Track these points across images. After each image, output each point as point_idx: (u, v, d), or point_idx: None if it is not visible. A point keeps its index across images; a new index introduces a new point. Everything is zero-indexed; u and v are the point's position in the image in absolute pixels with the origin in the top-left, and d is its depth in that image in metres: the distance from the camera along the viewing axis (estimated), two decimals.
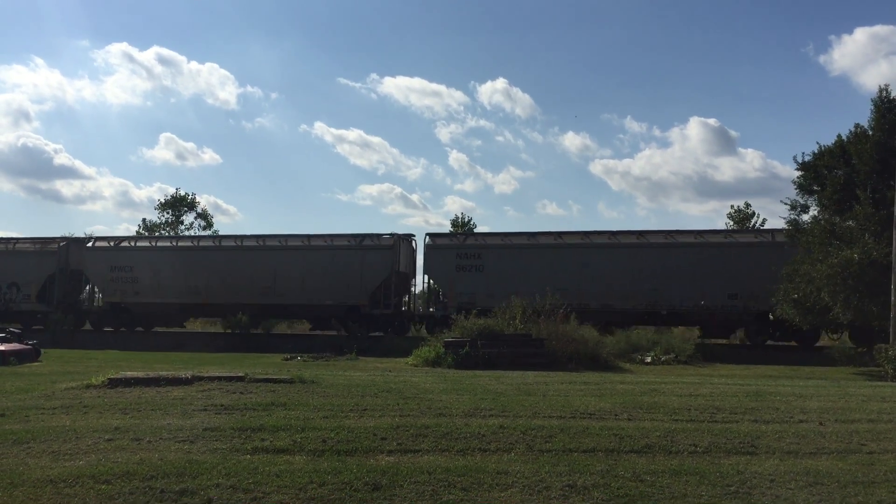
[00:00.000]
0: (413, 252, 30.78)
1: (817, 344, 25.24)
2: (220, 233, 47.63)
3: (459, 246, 29.27)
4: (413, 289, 31.94)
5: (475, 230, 31.51)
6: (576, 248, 27.84)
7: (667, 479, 6.11)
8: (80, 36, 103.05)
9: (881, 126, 20.59)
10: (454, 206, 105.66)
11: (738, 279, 25.52)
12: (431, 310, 29.48)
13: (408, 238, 30.88)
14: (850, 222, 20.47)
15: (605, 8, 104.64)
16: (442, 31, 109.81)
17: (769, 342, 26.42)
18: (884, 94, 21.29)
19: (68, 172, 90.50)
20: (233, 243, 31.41)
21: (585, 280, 26.79)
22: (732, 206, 48.01)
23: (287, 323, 34.28)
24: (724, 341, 28.08)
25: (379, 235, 30.11)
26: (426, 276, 29.73)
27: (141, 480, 5.82)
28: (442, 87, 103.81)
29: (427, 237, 29.90)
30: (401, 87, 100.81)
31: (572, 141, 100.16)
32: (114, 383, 10.85)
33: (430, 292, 29.94)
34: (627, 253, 27.31)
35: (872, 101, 21.49)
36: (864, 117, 21.82)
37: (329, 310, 29.76)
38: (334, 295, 29.09)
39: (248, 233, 32.15)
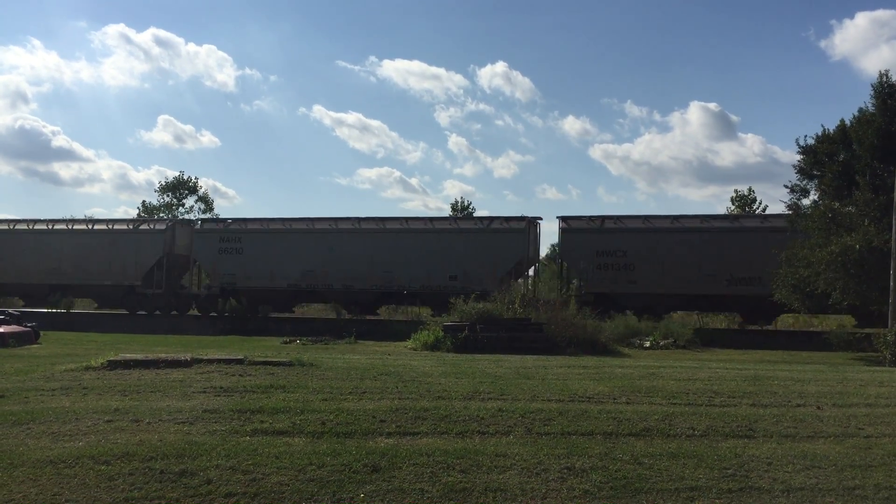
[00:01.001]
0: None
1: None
2: (220, 215, 47.67)
3: (223, 231, 31.57)
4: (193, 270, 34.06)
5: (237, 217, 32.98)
6: (323, 234, 30.31)
7: (665, 461, 6.13)
8: (77, 17, 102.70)
9: (882, 111, 20.54)
10: (454, 190, 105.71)
11: (457, 262, 28.44)
12: (196, 290, 32.68)
13: (189, 223, 34.48)
14: (850, 208, 20.46)
15: None
16: (441, 13, 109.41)
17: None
18: (884, 79, 21.23)
19: (66, 155, 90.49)
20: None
21: (331, 262, 29.53)
22: (736, 192, 48.15)
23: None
24: (723, 326, 28.18)
25: (154, 220, 33.19)
26: (194, 259, 32.50)
27: (140, 461, 5.84)
28: (441, 71, 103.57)
29: (198, 223, 33.83)
30: (400, 71, 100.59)
31: (572, 125, 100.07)
32: (113, 365, 10.87)
33: (198, 273, 33.40)
34: (366, 238, 29.87)
35: (873, 86, 21.47)
36: (865, 102, 21.77)
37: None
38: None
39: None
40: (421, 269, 28.71)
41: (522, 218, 28.87)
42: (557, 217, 28.54)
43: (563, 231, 28.30)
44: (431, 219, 30.80)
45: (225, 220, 33.29)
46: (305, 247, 29.94)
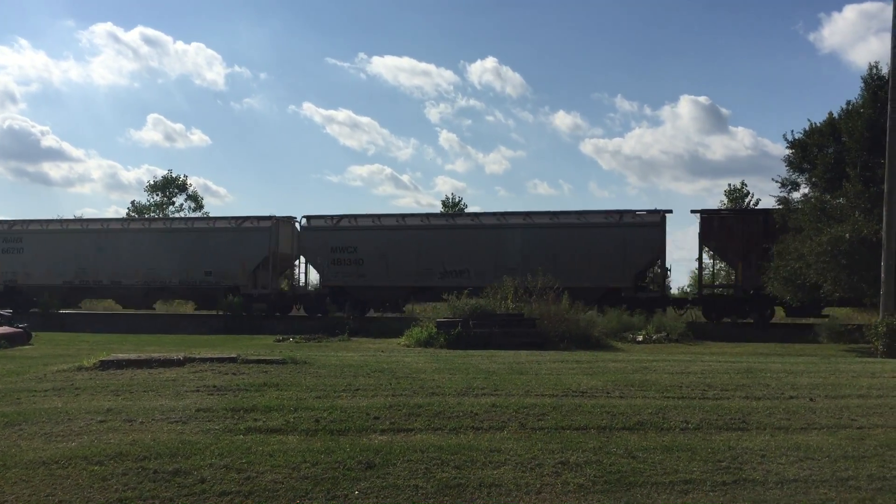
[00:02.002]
0: None
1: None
2: (211, 214, 47.58)
3: (5, 232, 33.14)
4: None
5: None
6: (95, 233, 32.29)
7: (659, 455, 6.14)
8: (64, 16, 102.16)
9: (872, 104, 20.61)
10: (445, 186, 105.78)
11: (212, 259, 30.58)
12: None
13: None
14: (841, 200, 20.53)
15: None
16: (430, 9, 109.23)
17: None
18: (874, 71, 21.31)
19: (56, 154, 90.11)
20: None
21: (102, 261, 31.62)
22: (730, 185, 48.35)
23: None
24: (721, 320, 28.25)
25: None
26: None
27: (134, 461, 5.82)
28: (431, 67, 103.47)
29: None
30: (389, 67, 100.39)
31: (563, 120, 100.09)
32: (105, 365, 10.83)
33: None
34: (134, 237, 32.11)
35: (863, 78, 21.54)
36: (855, 95, 21.87)
37: None
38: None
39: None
40: (181, 266, 30.84)
41: (270, 217, 30.63)
42: (302, 216, 30.68)
43: (303, 229, 30.59)
44: (190, 219, 34.07)
45: (4, 221, 34.61)
46: (80, 245, 31.98)
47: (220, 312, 29.66)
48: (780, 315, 27.76)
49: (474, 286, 25.12)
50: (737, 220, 26.52)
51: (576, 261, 26.84)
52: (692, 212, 27.24)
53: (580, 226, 27.60)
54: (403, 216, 29.84)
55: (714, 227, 26.60)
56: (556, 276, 24.59)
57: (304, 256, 30.94)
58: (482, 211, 29.44)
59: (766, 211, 26.35)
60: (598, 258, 26.75)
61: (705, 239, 26.88)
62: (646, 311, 24.45)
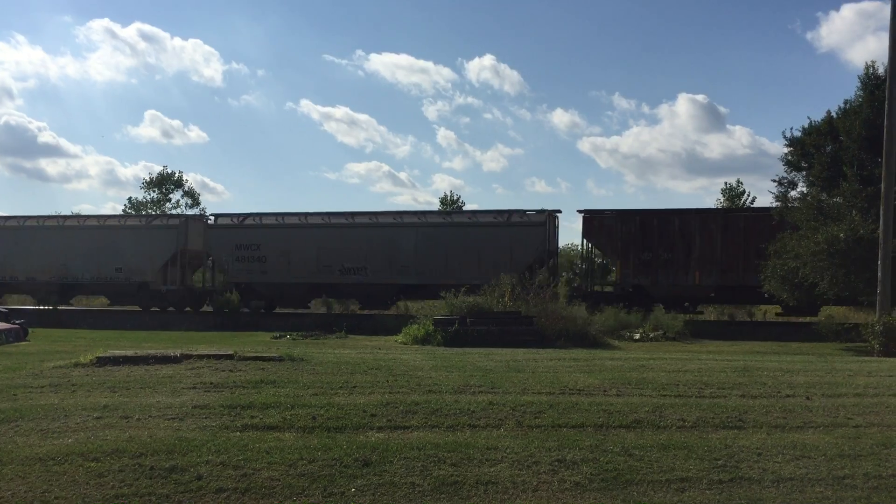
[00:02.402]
0: None
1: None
2: (207, 210, 47.56)
3: None
4: None
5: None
6: (10, 231, 32.90)
7: (655, 453, 6.15)
8: (61, 12, 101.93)
9: (869, 103, 20.63)
10: (443, 184, 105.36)
11: (123, 256, 31.29)
12: None
13: None
14: (838, 199, 20.56)
15: None
16: (428, 6, 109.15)
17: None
18: (871, 70, 21.33)
19: (53, 151, 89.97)
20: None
21: (18, 258, 32.24)
22: (726, 184, 48.51)
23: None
24: (713, 318, 28.31)
25: None
26: None
27: (130, 458, 5.81)
28: (429, 64, 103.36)
29: None
30: (387, 64, 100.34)
31: (561, 118, 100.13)
32: (102, 362, 10.82)
33: None
34: (46, 233, 32.72)
35: (860, 78, 21.56)
36: (852, 94, 21.89)
37: None
38: None
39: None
40: (93, 263, 31.52)
41: (179, 216, 32.05)
42: (210, 214, 31.94)
43: (209, 227, 31.61)
44: (103, 216, 34.43)
45: None
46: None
47: (211, 309, 29.66)
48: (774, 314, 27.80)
49: (371, 283, 28.59)
50: (616, 221, 27.41)
51: (466, 259, 27.66)
52: (578, 212, 28.31)
53: (470, 225, 28.53)
54: (306, 215, 30.50)
55: (595, 226, 27.62)
56: (448, 274, 26.80)
57: (211, 254, 31.70)
58: (381, 210, 30.42)
59: (643, 212, 27.63)
60: (487, 256, 27.41)
61: (588, 237, 27.97)
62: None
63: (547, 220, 27.93)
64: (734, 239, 25.93)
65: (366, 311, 30.39)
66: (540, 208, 28.29)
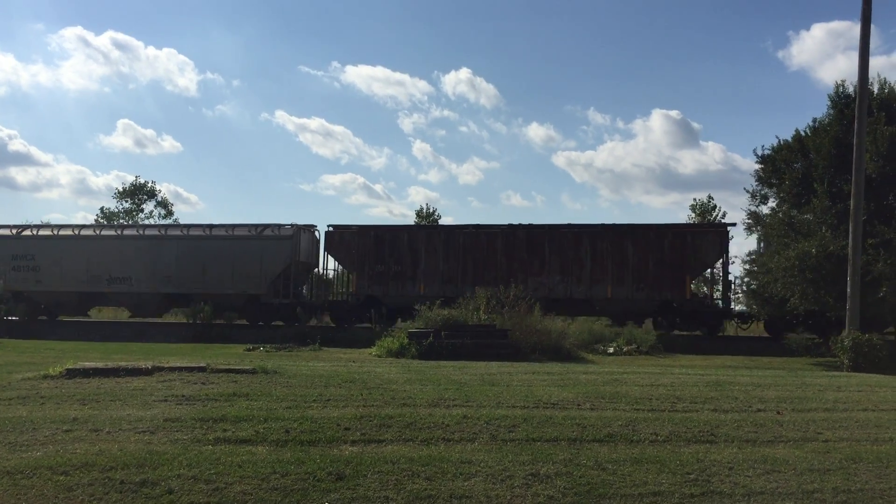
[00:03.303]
0: None
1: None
2: (180, 221, 47.18)
3: None
4: None
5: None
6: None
7: (628, 467, 6.19)
8: (34, 19, 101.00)
9: (839, 121, 20.97)
10: (418, 196, 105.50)
11: None
12: None
13: None
14: (808, 215, 20.84)
15: (569, 0, 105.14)
16: (405, 19, 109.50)
17: None
18: (840, 89, 21.70)
19: (23, 159, 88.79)
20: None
21: None
22: (695, 199, 48.99)
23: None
24: (685, 333, 28.51)
25: None
26: None
27: (100, 472, 5.74)
28: (405, 77, 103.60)
29: None
30: (363, 76, 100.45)
31: (536, 132, 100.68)
32: (72, 374, 10.67)
33: None
34: None
35: (830, 96, 21.92)
36: (822, 111, 22.28)
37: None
38: None
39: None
40: None
41: None
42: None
43: None
44: None
45: None
46: None
47: (190, 321, 29.43)
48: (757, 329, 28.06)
49: (136, 292, 29.97)
50: (354, 236, 29.11)
51: (222, 269, 29.27)
52: (328, 226, 30.01)
53: (227, 238, 29.81)
54: (79, 227, 31.66)
55: (336, 241, 29.32)
56: (207, 284, 29.14)
57: None
58: (148, 224, 32.63)
59: (377, 227, 29.54)
60: (241, 267, 29.12)
61: (329, 251, 29.66)
62: (285, 319, 28.59)
63: (297, 234, 29.46)
64: (455, 253, 28.04)
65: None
66: (292, 223, 29.94)
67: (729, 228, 27.06)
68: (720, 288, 27.70)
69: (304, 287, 31.17)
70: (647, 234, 26.64)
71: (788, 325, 24.38)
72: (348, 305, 29.09)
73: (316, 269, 31.11)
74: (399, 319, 25.56)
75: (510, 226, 28.09)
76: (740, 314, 26.49)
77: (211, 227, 30.64)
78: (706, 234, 26.65)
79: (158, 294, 29.99)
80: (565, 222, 27.88)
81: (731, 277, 26.70)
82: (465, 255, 27.95)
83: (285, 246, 29.19)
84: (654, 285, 26.10)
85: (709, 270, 28.68)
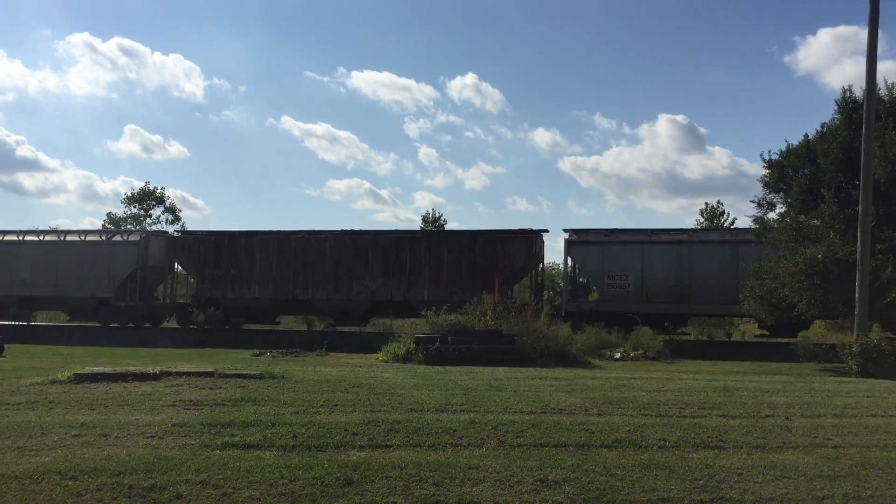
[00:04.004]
0: None
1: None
2: (187, 226, 47.30)
3: None
4: None
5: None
6: None
7: (637, 473, 6.16)
8: (41, 26, 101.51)
9: (847, 126, 20.90)
10: (424, 201, 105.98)
11: None
12: None
13: None
14: (816, 221, 20.76)
15: (575, 5, 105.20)
16: (411, 25, 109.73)
17: None
18: (847, 94, 21.63)
19: (31, 165, 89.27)
20: None
21: None
22: (707, 204, 48.95)
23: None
24: (693, 338, 28.46)
25: None
26: None
27: (108, 476, 5.75)
28: (411, 82, 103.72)
29: None
30: (369, 82, 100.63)
31: (542, 137, 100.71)
32: (80, 378, 10.70)
33: None
34: None
35: (837, 101, 21.85)
36: (829, 116, 22.20)
37: None
38: None
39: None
40: None
41: None
42: None
43: None
44: None
45: None
46: None
47: (198, 326, 29.53)
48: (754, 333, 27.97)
49: None
50: (195, 242, 30.94)
51: (74, 274, 30.67)
52: (174, 232, 32.02)
53: (78, 244, 31.31)
54: None
55: (179, 247, 31.22)
56: (60, 287, 30.61)
57: None
58: (6, 229, 32.90)
59: (217, 233, 31.21)
60: (91, 272, 30.61)
61: (174, 256, 31.40)
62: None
63: (145, 240, 31.04)
64: (287, 258, 29.67)
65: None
66: (142, 228, 32.33)
67: (543, 234, 29.03)
68: (559, 290, 29.54)
69: (166, 290, 33.14)
70: (461, 240, 28.67)
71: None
72: (190, 308, 30.94)
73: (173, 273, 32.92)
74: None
75: (339, 231, 29.99)
76: (567, 315, 27.06)
77: (65, 232, 32.48)
78: (514, 239, 28.14)
79: (15, 297, 31.16)
80: (391, 229, 31.07)
81: (567, 280, 28.20)
82: (297, 260, 29.60)
83: (132, 251, 30.75)
84: (467, 287, 27.26)
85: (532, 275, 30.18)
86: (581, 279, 29.47)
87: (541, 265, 30.07)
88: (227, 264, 30.02)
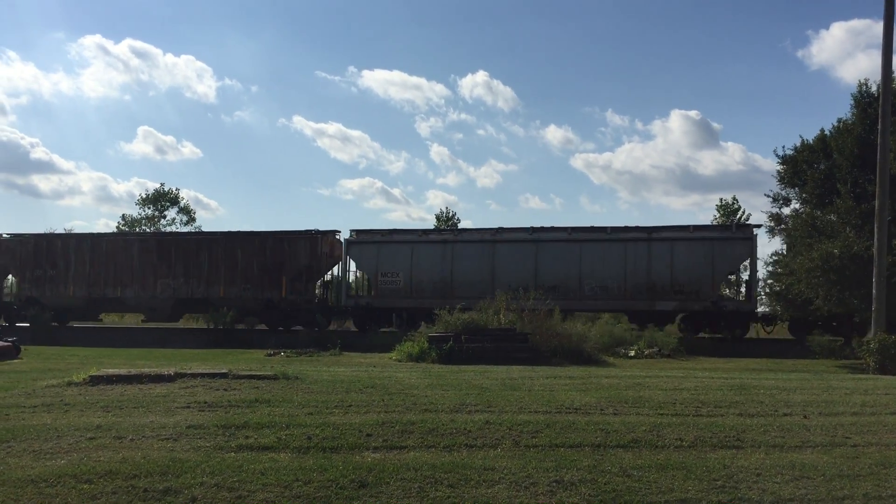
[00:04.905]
0: None
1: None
2: (203, 228, 47.48)
3: None
4: None
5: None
6: None
7: (653, 473, 6.11)
8: (53, 28, 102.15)
9: (862, 121, 20.73)
10: (436, 200, 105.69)
11: None
12: None
13: None
14: (832, 216, 20.62)
15: (586, 1, 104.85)
16: (421, 23, 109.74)
17: None
18: (863, 88, 21.46)
19: (46, 167, 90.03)
20: None
21: None
22: (721, 200, 48.79)
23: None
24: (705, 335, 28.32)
25: None
26: None
27: (124, 479, 5.75)
28: (422, 81, 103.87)
29: None
30: (380, 81, 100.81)
31: (554, 134, 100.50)
32: (95, 380, 10.74)
33: None
34: None
35: (852, 95, 21.68)
36: (844, 111, 22.13)
37: None
38: None
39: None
40: None
41: None
42: None
43: None
44: None
45: None
46: None
47: (211, 326, 29.65)
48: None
49: None
50: (17, 244, 32.49)
51: None
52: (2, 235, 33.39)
53: None
54: None
55: (3, 248, 32.55)
56: None
57: None
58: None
59: (36, 236, 32.94)
60: None
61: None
62: None
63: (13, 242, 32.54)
64: (99, 259, 31.33)
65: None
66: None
67: (337, 234, 30.62)
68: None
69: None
70: (254, 241, 30.50)
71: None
72: (14, 306, 32.43)
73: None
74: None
75: (145, 233, 32.51)
76: (345, 310, 29.83)
77: None
78: (300, 240, 30.11)
79: None
80: (193, 231, 33.39)
81: (351, 279, 30.50)
82: (108, 260, 31.36)
83: None
84: (258, 285, 29.93)
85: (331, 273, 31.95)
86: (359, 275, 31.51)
87: (339, 263, 31.40)
88: (45, 265, 31.79)
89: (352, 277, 30.99)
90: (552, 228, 28.01)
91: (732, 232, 26.68)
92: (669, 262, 26.08)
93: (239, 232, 31.02)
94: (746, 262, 26.52)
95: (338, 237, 30.82)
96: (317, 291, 31.67)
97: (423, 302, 27.78)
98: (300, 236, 30.28)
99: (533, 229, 27.96)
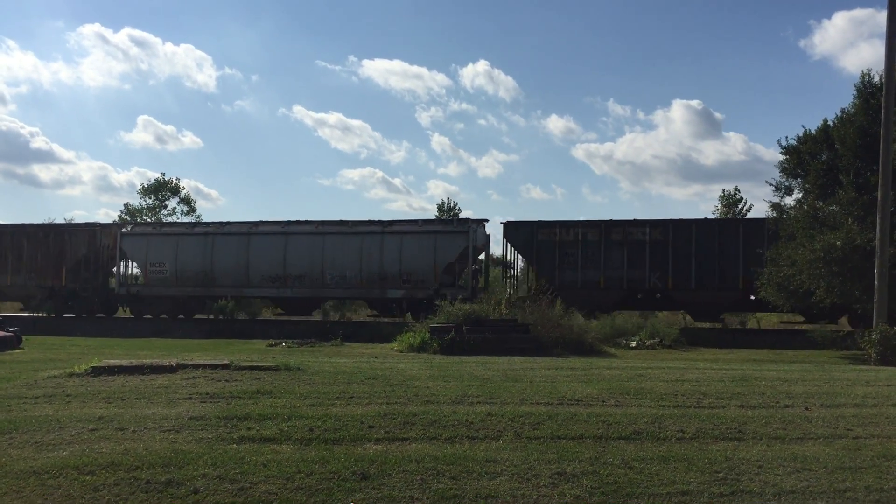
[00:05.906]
0: None
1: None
2: (203, 218, 47.44)
3: None
4: None
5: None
6: None
7: (655, 465, 6.11)
8: (52, 17, 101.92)
9: (865, 111, 20.64)
10: (437, 190, 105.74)
11: None
12: None
13: None
14: (834, 207, 20.55)
15: None
16: (422, 12, 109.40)
17: None
18: (866, 78, 21.33)
19: (46, 156, 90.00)
20: None
21: None
22: (724, 190, 48.79)
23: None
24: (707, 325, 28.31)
25: None
26: None
27: (126, 471, 5.75)
28: (423, 70, 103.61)
29: None
30: (381, 70, 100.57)
31: (555, 124, 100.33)
32: (97, 371, 10.74)
33: None
34: None
35: (855, 85, 21.56)
36: (846, 101, 22.05)
37: None
38: None
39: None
40: None
41: None
42: None
43: None
44: None
45: None
46: None
47: (212, 316, 29.72)
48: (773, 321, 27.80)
49: None
50: None
51: None
52: None
53: None
54: None
55: None
56: None
57: None
58: None
59: None
60: None
61: None
62: None
63: None
64: (46, 249, 32.02)
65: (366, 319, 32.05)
66: None
67: (125, 227, 32.14)
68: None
69: None
70: (38, 233, 32.28)
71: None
72: None
73: None
74: None
75: None
76: (120, 297, 31.91)
77: None
78: (79, 232, 32.06)
79: None
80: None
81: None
82: (58, 251, 31.84)
83: None
84: (42, 274, 31.74)
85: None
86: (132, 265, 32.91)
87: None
88: None
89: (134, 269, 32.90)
90: (302, 222, 29.88)
91: (454, 226, 29.03)
92: (398, 254, 28.24)
93: (26, 224, 33.03)
94: (465, 253, 28.09)
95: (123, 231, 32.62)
96: (111, 280, 33.33)
97: (187, 290, 30.27)
98: (80, 229, 32.67)
99: (286, 223, 29.93)
